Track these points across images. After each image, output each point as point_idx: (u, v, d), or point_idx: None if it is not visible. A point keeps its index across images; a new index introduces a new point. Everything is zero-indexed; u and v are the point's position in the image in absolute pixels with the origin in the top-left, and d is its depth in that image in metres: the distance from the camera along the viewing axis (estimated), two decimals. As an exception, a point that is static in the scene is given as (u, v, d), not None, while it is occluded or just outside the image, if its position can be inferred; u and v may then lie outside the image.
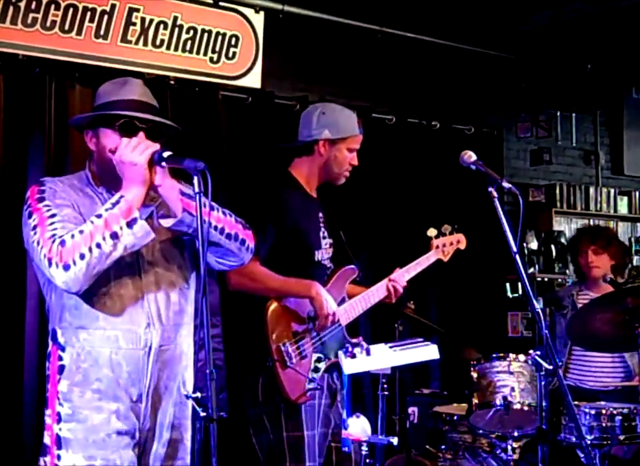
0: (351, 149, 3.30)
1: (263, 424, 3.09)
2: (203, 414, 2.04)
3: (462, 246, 3.74)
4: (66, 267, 2.25)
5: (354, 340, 3.28)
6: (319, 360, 3.12)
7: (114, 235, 2.27)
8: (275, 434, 3.07)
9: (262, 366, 3.05)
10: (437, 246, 3.62)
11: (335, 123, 3.26)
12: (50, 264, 2.27)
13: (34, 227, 2.33)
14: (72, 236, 2.27)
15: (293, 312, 3.13)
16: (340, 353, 2.81)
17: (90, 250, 2.25)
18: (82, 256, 2.25)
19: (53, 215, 2.34)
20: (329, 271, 3.32)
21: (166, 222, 2.41)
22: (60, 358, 2.41)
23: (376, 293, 3.38)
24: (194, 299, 2.57)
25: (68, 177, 2.55)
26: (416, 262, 3.56)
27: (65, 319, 2.42)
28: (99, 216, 2.29)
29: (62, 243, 2.26)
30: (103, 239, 2.26)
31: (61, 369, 2.41)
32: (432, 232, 3.64)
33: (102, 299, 2.39)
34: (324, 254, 3.29)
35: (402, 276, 3.45)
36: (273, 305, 3.08)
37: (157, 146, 2.36)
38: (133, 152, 2.31)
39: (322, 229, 3.33)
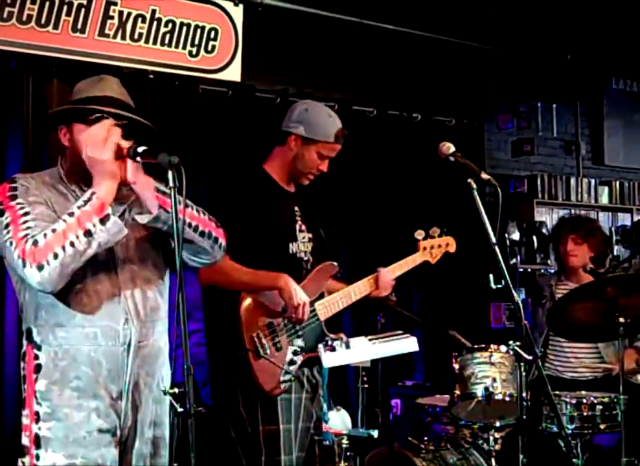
0: (321, 155, 3.28)
1: (242, 419, 3.09)
2: (180, 410, 2.04)
3: (452, 249, 3.73)
4: (40, 267, 2.23)
5: (333, 335, 3.27)
6: (295, 352, 3.11)
7: (88, 233, 2.25)
8: (252, 428, 3.07)
9: (237, 359, 3.04)
10: (424, 248, 3.61)
11: (312, 123, 3.25)
12: (24, 265, 2.24)
13: (7, 225, 2.30)
14: (45, 235, 2.25)
15: (268, 306, 3.13)
16: (320, 346, 2.81)
17: (63, 249, 2.23)
18: (56, 256, 2.23)
19: (26, 213, 2.31)
20: (308, 265, 3.31)
21: (142, 219, 2.40)
22: (36, 357, 2.39)
23: (358, 290, 3.37)
24: (171, 295, 2.56)
25: (40, 173, 2.52)
26: (401, 262, 3.56)
27: (40, 317, 2.40)
28: (71, 214, 2.27)
29: (35, 242, 2.24)
30: (77, 237, 2.24)
31: (38, 368, 2.39)
32: (420, 234, 3.62)
33: (79, 297, 2.38)
34: (300, 246, 3.28)
35: (388, 273, 3.44)
36: (248, 299, 3.08)
37: (117, 136, 2.33)
38: (98, 147, 2.29)
39: (299, 222, 3.31)
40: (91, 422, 2.38)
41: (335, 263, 3.33)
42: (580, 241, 4.50)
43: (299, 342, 3.15)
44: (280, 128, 3.32)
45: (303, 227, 3.33)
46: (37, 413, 2.38)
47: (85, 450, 2.36)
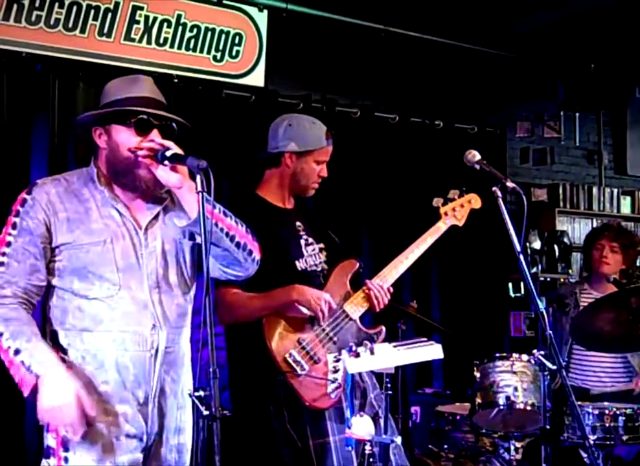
0: (319, 162, 3.26)
1: (290, 435, 3.03)
2: (205, 413, 2.04)
3: (477, 205, 3.51)
4: None
5: (373, 330, 3.22)
6: (336, 359, 3.04)
7: (17, 352, 2.33)
8: (303, 443, 3.01)
9: (276, 383, 2.99)
10: (446, 213, 3.46)
11: (302, 135, 3.23)
12: None
13: None
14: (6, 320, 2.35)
15: (292, 319, 3.06)
16: (344, 352, 2.78)
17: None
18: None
19: (8, 244, 2.38)
20: (324, 273, 3.26)
21: (181, 223, 2.41)
22: (63, 361, 2.38)
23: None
24: (196, 300, 2.57)
25: (70, 174, 2.52)
26: (425, 235, 3.40)
27: (68, 321, 2.41)
28: (20, 351, 2.34)
29: None
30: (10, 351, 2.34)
31: None
32: (438, 201, 3.46)
33: (107, 302, 2.39)
34: (309, 261, 3.23)
35: (381, 278, 3.25)
36: (270, 322, 3.02)
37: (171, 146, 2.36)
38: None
39: (304, 237, 3.27)
40: (119, 426, 2.38)
41: (353, 260, 3.26)
42: (618, 250, 4.45)
43: (336, 347, 3.09)
44: (266, 152, 3.28)
45: (310, 240, 3.27)
46: None
47: (114, 455, 2.36)
